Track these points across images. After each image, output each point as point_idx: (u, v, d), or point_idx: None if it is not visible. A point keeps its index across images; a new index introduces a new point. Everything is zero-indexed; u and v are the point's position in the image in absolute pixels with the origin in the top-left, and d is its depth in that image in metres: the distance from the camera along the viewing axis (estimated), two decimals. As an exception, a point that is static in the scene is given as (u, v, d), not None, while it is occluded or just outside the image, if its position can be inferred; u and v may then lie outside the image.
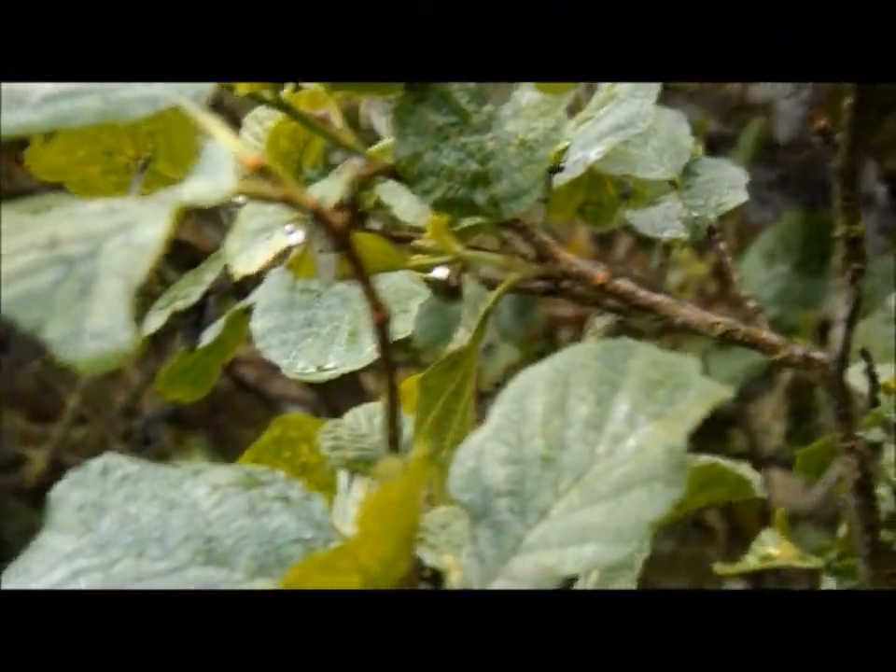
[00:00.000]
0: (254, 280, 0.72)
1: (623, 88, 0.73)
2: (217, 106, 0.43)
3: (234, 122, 0.65)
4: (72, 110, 0.39)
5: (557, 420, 0.46)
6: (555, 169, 0.69)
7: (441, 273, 0.71)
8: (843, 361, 0.62)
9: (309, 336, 0.72)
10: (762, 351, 0.63)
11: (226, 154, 0.37)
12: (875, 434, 0.83)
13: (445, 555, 0.51)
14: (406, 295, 0.71)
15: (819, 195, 1.81)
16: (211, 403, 1.93)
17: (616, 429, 0.45)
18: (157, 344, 1.38)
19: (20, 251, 0.36)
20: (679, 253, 1.82)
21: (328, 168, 0.74)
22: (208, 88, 0.40)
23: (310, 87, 0.64)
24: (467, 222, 0.64)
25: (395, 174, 0.61)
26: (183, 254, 1.78)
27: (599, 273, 0.61)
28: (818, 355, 0.63)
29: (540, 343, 1.94)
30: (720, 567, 0.92)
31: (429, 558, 0.51)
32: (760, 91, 1.61)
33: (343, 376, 0.72)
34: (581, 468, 0.45)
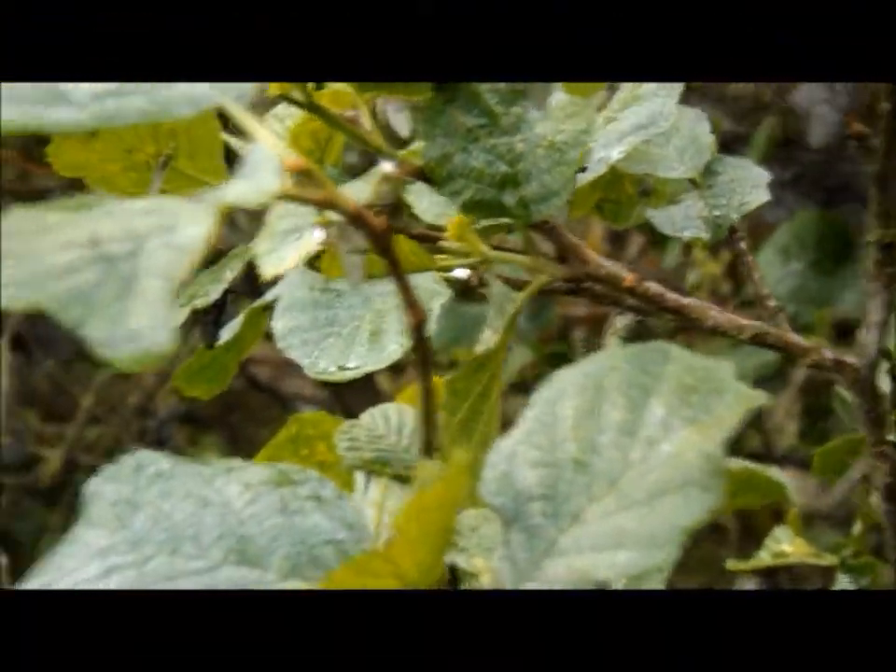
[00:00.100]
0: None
1: (646, 88, 0.73)
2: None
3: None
4: (117, 109, 0.39)
5: (590, 424, 0.46)
6: (579, 169, 0.69)
7: (461, 273, 0.71)
8: (874, 366, 0.62)
9: (330, 336, 0.72)
10: (791, 354, 0.63)
11: (269, 156, 0.37)
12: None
13: (476, 558, 0.52)
14: (428, 295, 0.71)
15: (833, 194, 1.81)
16: (225, 402, 1.93)
17: (650, 434, 0.45)
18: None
19: (61, 249, 0.36)
20: (693, 253, 1.82)
21: (345, 166, 0.74)
22: (251, 88, 0.40)
23: (332, 85, 0.64)
24: (486, 221, 0.64)
25: (424, 175, 0.61)
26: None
27: (628, 276, 0.61)
28: (849, 359, 0.63)
29: (555, 344, 1.94)
30: (732, 564, 0.91)
31: (460, 561, 0.51)
32: (796, 95, 1.61)
33: (357, 375, 0.72)
34: (614, 472, 0.45)
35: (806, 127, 1.62)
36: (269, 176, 0.36)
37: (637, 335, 0.78)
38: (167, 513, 0.48)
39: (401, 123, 0.67)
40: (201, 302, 0.73)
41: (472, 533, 0.53)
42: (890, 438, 0.65)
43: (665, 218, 0.81)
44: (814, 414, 1.80)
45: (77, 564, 0.49)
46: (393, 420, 0.81)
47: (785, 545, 0.93)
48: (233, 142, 0.71)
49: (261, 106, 0.75)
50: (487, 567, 0.51)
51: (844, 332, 1.72)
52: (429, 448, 0.45)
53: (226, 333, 0.76)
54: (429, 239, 0.68)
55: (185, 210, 0.37)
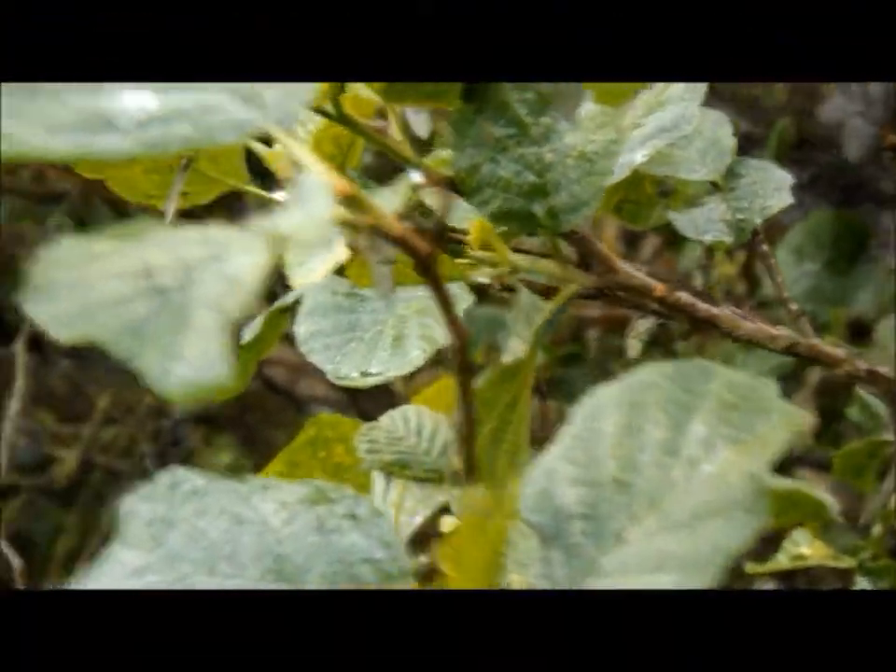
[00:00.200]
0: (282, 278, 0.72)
1: (671, 92, 0.73)
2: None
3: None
4: (162, 137, 0.39)
5: (630, 442, 0.46)
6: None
7: (484, 278, 0.70)
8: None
9: (353, 341, 0.73)
10: (825, 365, 0.62)
11: (320, 184, 0.37)
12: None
13: (512, 574, 0.51)
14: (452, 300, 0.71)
15: (848, 195, 1.81)
16: (240, 403, 1.93)
17: (692, 453, 0.45)
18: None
19: (112, 279, 0.36)
20: (703, 252, 1.81)
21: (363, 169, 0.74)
22: (295, 112, 0.40)
23: (353, 91, 0.63)
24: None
25: (452, 184, 0.61)
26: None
27: (658, 286, 0.61)
28: (883, 369, 0.63)
29: (568, 345, 1.94)
30: (751, 567, 0.91)
31: (495, 576, 0.51)
32: (830, 111, 1.61)
33: (371, 377, 0.72)
34: (655, 492, 0.45)
35: (840, 139, 1.61)
36: (322, 206, 0.36)
37: (654, 337, 0.78)
38: (203, 531, 0.48)
39: (421, 124, 0.66)
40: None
41: (507, 548, 0.53)
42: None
43: (687, 221, 0.81)
44: (829, 415, 1.80)
45: (112, 583, 0.49)
46: (412, 422, 0.81)
47: (803, 548, 0.93)
48: (255, 144, 0.71)
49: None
50: (523, 583, 0.51)
51: (859, 332, 1.72)
52: (471, 471, 0.44)
53: (247, 334, 0.76)
54: (452, 241, 0.68)
55: (236, 240, 0.36)
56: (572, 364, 2.01)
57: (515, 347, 0.66)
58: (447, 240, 0.66)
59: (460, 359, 0.43)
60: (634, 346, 0.70)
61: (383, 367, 0.70)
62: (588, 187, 0.60)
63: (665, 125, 0.71)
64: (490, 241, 0.63)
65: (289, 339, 0.77)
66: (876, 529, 0.93)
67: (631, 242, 1.97)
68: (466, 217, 0.66)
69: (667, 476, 0.45)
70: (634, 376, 0.48)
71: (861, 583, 0.89)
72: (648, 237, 1.93)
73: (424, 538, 0.80)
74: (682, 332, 1.66)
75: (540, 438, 0.66)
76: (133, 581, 0.48)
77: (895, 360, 0.64)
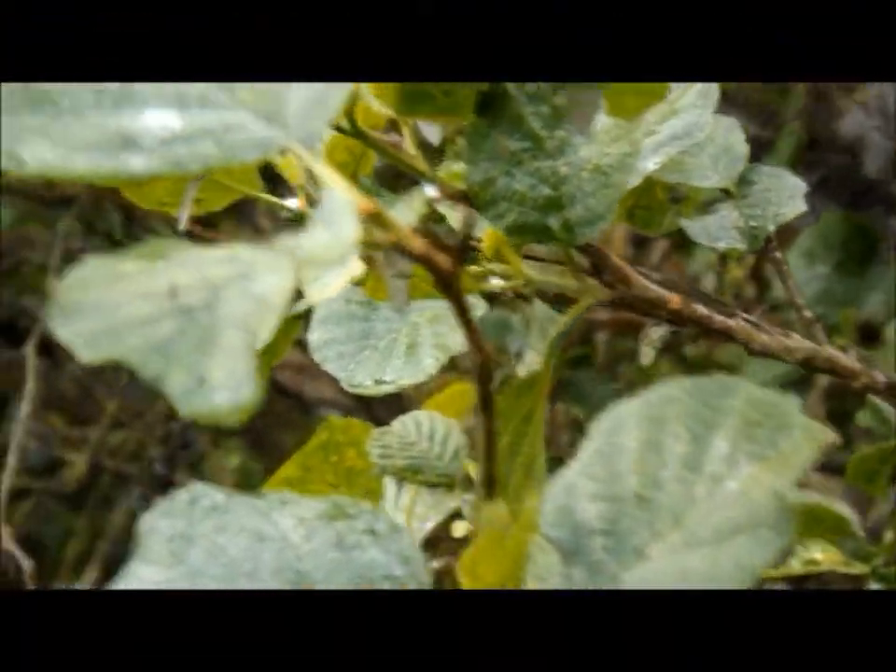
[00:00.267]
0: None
1: (684, 101, 0.73)
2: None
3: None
4: (186, 155, 0.39)
5: (652, 458, 0.46)
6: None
7: (498, 289, 0.70)
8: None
9: (366, 349, 0.73)
10: (842, 378, 0.62)
11: (345, 204, 0.37)
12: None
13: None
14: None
15: (858, 197, 1.81)
16: (249, 407, 1.92)
17: (715, 470, 0.45)
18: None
19: (138, 299, 0.36)
20: (715, 257, 1.81)
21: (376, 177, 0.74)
22: (319, 131, 0.40)
23: (364, 103, 0.63)
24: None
25: (466, 198, 0.61)
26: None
27: (674, 298, 0.61)
28: (900, 381, 0.63)
29: (577, 348, 1.93)
30: (763, 571, 0.91)
31: (513, 590, 0.51)
32: (848, 126, 1.61)
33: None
34: (678, 508, 0.45)
35: (860, 153, 1.61)
36: (348, 226, 0.36)
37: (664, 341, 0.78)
38: (223, 548, 0.48)
39: (432, 132, 0.66)
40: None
41: (526, 563, 0.53)
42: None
43: (699, 228, 0.81)
44: (839, 419, 1.80)
45: (132, 599, 0.49)
46: (424, 427, 0.81)
47: (816, 553, 0.93)
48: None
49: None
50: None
51: (869, 334, 1.72)
52: (490, 488, 0.44)
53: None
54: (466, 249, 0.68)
55: (262, 259, 0.36)
56: (581, 367, 2.01)
57: (530, 359, 0.66)
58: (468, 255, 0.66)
59: (482, 376, 0.43)
60: (647, 354, 0.70)
61: (396, 375, 0.71)
62: (603, 200, 0.60)
63: (677, 133, 0.71)
64: (504, 252, 0.63)
65: (298, 342, 0.77)
66: (888, 535, 0.93)
67: (640, 244, 1.97)
68: (478, 226, 0.66)
69: (690, 492, 0.45)
70: (654, 391, 0.48)
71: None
72: (657, 240, 1.93)
73: (435, 541, 0.80)
74: (691, 335, 1.66)
75: (548, 440, 0.66)
76: (154, 597, 0.48)
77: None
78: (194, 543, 0.48)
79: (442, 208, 0.67)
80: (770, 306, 1.71)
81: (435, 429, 0.79)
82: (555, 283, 0.64)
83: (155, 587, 0.48)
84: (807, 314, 0.73)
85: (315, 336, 0.73)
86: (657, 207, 0.81)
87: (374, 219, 0.38)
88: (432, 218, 0.68)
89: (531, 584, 0.52)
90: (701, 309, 0.63)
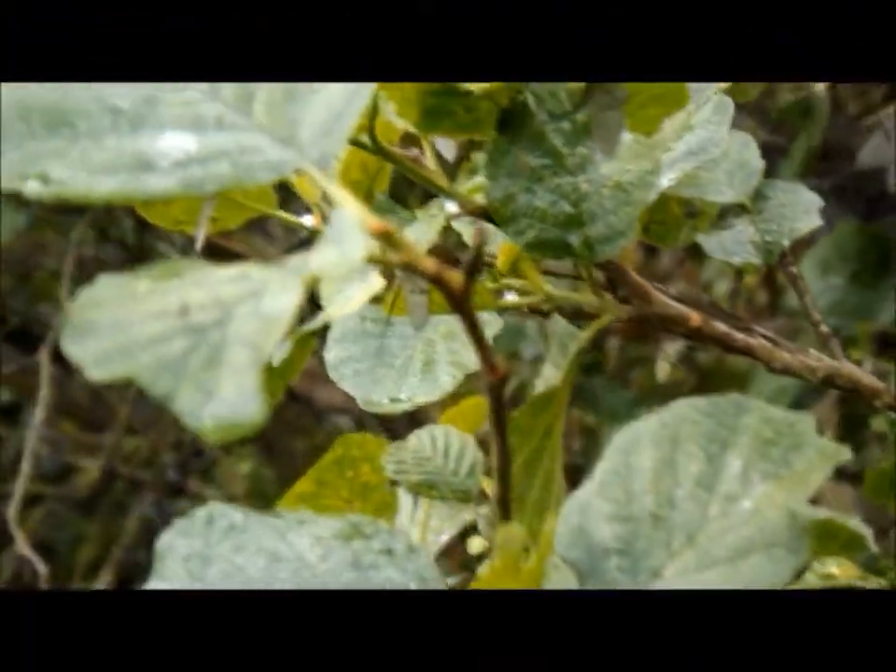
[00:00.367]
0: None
1: (699, 116, 0.72)
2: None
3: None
4: (203, 176, 0.39)
5: (667, 477, 0.46)
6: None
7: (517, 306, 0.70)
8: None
9: (382, 367, 0.72)
10: (862, 396, 0.62)
11: (353, 223, 0.37)
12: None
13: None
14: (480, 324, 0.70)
15: (873, 206, 1.80)
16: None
17: (729, 489, 0.45)
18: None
19: (151, 318, 0.36)
20: (726, 265, 1.81)
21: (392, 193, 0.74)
22: (333, 153, 0.40)
23: (386, 116, 0.63)
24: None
25: (486, 214, 0.61)
26: (230, 262, 1.78)
27: (694, 315, 0.60)
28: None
29: (589, 355, 1.93)
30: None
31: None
32: (863, 154, 1.61)
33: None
34: (692, 528, 0.45)
35: (882, 177, 1.61)
36: (355, 245, 0.36)
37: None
38: (240, 568, 0.48)
39: (447, 147, 0.66)
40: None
41: (542, 584, 0.53)
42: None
43: (715, 243, 0.81)
44: (852, 424, 1.79)
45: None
46: (439, 442, 0.81)
47: (832, 567, 0.93)
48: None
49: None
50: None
51: (884, 345, 1.72)
52: (506, 507, 0.44)
53: (275, 357, 0.76)
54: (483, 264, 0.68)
55: (272, 278, 0.37)
56: (593, 373, 2.01)
57: (549, 374, 0.66)
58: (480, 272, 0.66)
59: (495, 397, 0.42)
60: (663, 368, 0.70)
61: (412, 393, 0.70)
62: (623, 216, 0.60)
63: (692, 148, 0.71)
64: (523, 268, 0.63)
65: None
66: (905, 549, 0.93)
67: (652, 250, 1.96)
68: (494, 240, 0.66)
69: (704, 511, 0.45)
70: (669, 410, 0.48)
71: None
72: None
73: (450, 552, 0.80)
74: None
75: (564, 445, 0.66)
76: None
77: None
78: (211, 563, 0.48)
79: (458, 225, 0.67)
80: (784, 313, 1.71)
81: (450, 444, 0.79)
82: (575, 299, 0.64)
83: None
84: (824, 328, 0.73)
85: (331, 355, 0.73)
86: (672, 222, 0.81)
87: (386, 239, 0.38)
88: (448, 235, 0.68)
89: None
90: (721, 327, 0.62)
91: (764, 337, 0.63)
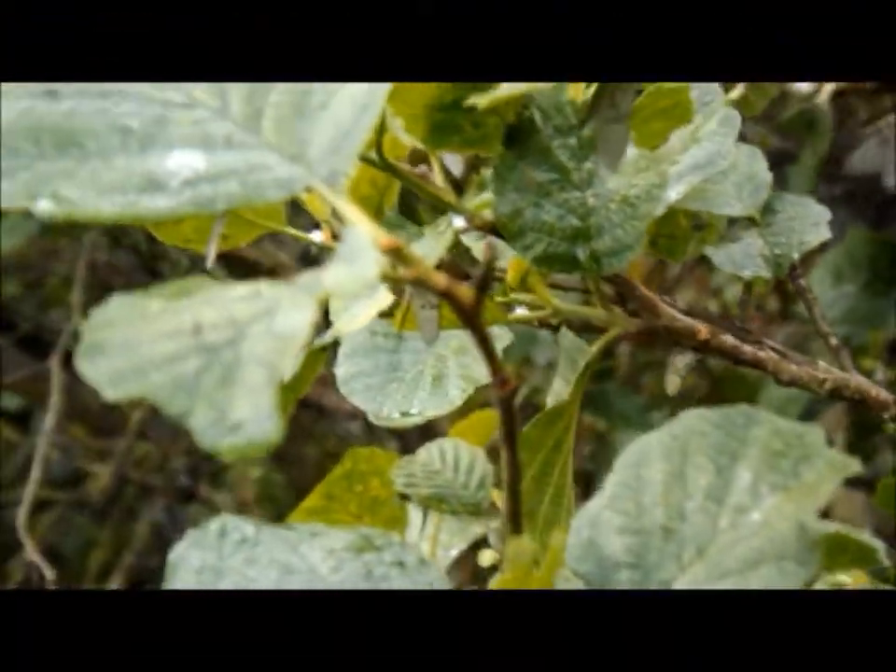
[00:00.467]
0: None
1: (705, 129, 0.73)
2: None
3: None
4: (213, 195, 0.40)
5: (677, 490, 0.46)
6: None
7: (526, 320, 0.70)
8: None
9: (393, 381, 0.72)
10: (871, 408, 0.62)
11: (366, 241, 0.37)
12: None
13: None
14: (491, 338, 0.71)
15: (883, 212, 1.80)
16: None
17: (738, 501, 0.45)
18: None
19: (164, 338, 0.36)
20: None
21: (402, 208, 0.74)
22: (342, 170, 0.40)
23: (394, 132, 0.63)
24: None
25: (494, 229, 0.61)
26: (243, 269, 1.79)
27: (702, 329, 0.60)
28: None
29: (601, 362, 1.93)
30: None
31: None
32: (858, 161, 1.60)
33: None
34: (702, 540, 0.45)
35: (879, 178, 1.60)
36: (368, 263, 0.36)
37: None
38: (252, 580, 0.48)
39: (455, 162, 0.67)
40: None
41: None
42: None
43: (724, 256, 0.80)
44: (864, 430, 1.79)
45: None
46: (449, 455, 0.81)
47: (844, 576, 0.92)
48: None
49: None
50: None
51: (896, 354, 1.71)
52: (516, 521, 0.44)
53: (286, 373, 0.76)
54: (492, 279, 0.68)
55: (284, 296, 0.37)
56: (604, 378, 2.01)
57: (558, 388, 0.66)
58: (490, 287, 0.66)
59: (505, 410, 0.43)
60: (673, 382, 0.70)
61: (423, 407, 0.70)
62: (630, 230, 0.60)
63: (700, 161, 0.71)
64: (531, 283, 0.64)
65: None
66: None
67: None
68: (503, 255, 0.66)
69: (714, 524, 0.45)
70: (678, 422, 0.48)
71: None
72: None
73: (461, 565, 0.80)
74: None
75: (575, 451, 0.66)
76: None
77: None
78: (223, 576, 0.48)
79: (468, 240, 0.67)
80: (794, 319, 1.71)
81: (460, 458, 0.79)
82: (583, 313, 0.64)
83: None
84: (833, 341, 0.73)
85: (341, 370, 0.73)
86: (681, 235, 0.81)
87: (396, 255, 0.38)
88: (457, 250, 0.68)
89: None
90: (730, 339, 0.62)
91: (773, 349, 0.63)
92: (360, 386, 0.73)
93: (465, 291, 0.40)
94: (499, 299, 0.67)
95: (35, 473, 1.72)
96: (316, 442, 2.16)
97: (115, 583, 1.93)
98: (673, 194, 0.68)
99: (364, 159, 0.60)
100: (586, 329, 0.69)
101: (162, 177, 0.40)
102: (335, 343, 0.73)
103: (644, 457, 0.48)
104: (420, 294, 0.57)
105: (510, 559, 0.41)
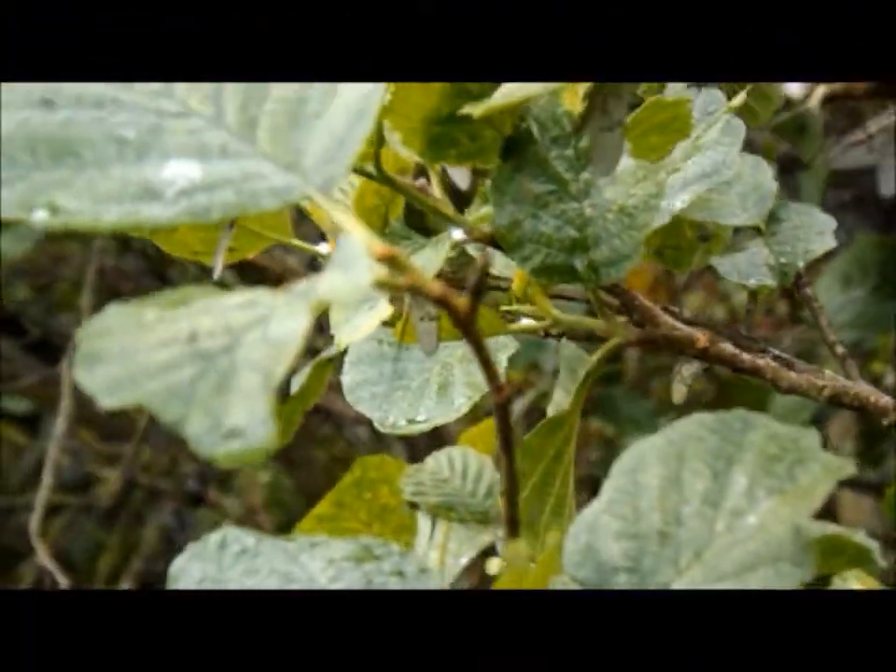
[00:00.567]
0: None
1: (708, 138, 0.73)
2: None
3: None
4: (208, 204, 0.40)
5: (673, 494, 0.46)
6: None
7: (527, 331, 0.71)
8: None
9: (399, 389, 0.73)
10: (872, 415, 0.62)
11: (360, 249, 0.38)
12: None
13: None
14: (495, 347, 0.71)
15: (891, 217, 1.80)
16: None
17: (734, 505, 0.45)
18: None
19: (160, 346, 0.36)
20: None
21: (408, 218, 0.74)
22: (336, 178, 0.40)
23: (392, 146, 0.64)
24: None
25: (493, 241, 0.62)
26: (251, 275, 1.80)
27: (701, 337, 0.61)
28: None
29: (608, 367, 1.93)
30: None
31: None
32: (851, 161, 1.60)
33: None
34: (698, 544, 0.45)
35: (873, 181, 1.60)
36: (362, 270, 0.37)
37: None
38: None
39: (461, 176, 0.67)
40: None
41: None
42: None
43: (730, 266, 0.81)
44: (871, 435, 1.79)
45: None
46: (457, 464, 0.81)
47: (853, 582, 0.92)
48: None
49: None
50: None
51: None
52: (514, 526, 0.44)
53: (294, 384, 0.76)
54: (495, 289, 0.68)
55: (279, 304, 0.37)
56: (612, 383, 2.01)
57: (559, 398, 0.66)
58: (487, 295, 0.67)
59: (502, 417, 0.43)
60: (679, 391, 0.70)
61: (429, 414, 0.70)
62: (628, 240, 0.61)
63: (705, 171, 0.71)
64: (532, 294, 0.64)
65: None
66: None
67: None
68: (508, 265, 0.66)
69: (710, 527, 0.45)
70: (675, 428, 0.48)
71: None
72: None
73: (469, 573, 0.80)
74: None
75: (582, 456, 0.66)
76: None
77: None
78: (224, 587, 0.48)
79: (474, 251, 0.67)
80: (804, 323, 1.71)
81: (468, 466, 0.79)
82: (584, 323, 0.64)
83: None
84: (840, 349, 0.73)
85: (347, 378, 0.74)
86: (686, 246, 0.81)
87: (391, 263, 0.39)
88: (460, 261, 0.69)
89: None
90: (729, 348, 0.63)
91: (778, 357, 0.63)
92: (366, 395, 0.73)
93: (461, 299, 0.41)
94: (504, 308, 0.68)
95: (47, 479, 1.72)
96: (325, 447, 2.16)
97: (124, 586, 1.94)
98: (678, 203, 0.68)
99: (363, 172, 0.60)
100: (590, 339, 0.69)
101: (158, 187, 0.40)
102: (343, 351, 0.73)
103: (641, 462, 0.48)
104: (419, 305, 0.58)
105: (506, 562, 0.42)
